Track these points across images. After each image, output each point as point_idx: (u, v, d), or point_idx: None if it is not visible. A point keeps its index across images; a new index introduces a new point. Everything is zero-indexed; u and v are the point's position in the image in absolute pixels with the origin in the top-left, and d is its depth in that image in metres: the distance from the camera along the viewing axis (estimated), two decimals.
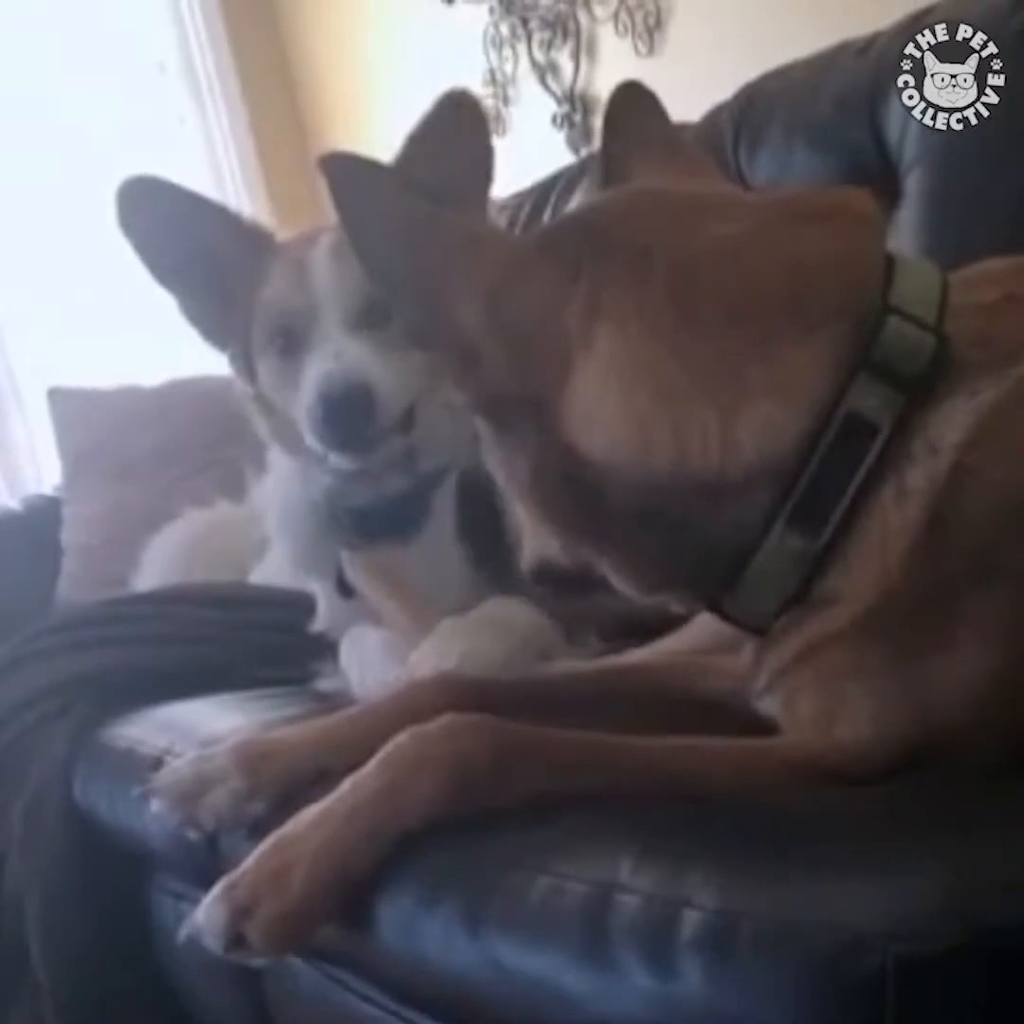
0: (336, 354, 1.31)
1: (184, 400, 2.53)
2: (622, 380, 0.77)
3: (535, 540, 0.91)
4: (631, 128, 0.95)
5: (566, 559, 0.88)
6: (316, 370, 1.30)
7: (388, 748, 0.81)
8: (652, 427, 0.76)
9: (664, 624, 1.05)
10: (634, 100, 0.97)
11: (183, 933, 0.83)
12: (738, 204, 0.86)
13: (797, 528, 0.76)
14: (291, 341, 1.35)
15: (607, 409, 0.78)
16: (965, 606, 0.73)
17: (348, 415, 1.28)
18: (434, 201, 0.87)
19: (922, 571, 0.73)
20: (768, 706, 0.83)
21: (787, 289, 0.77)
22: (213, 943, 0.80)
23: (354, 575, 1.41)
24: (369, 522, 1.40)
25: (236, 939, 0.79)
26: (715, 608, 0.85)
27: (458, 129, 1.32)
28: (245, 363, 1.42)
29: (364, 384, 1.29)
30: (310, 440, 1.33)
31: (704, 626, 1.00)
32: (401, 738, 0.81)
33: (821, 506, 0.75)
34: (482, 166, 1.35)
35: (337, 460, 1.33)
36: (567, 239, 0.83)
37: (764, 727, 0.83)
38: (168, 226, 1.35)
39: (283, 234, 1.43)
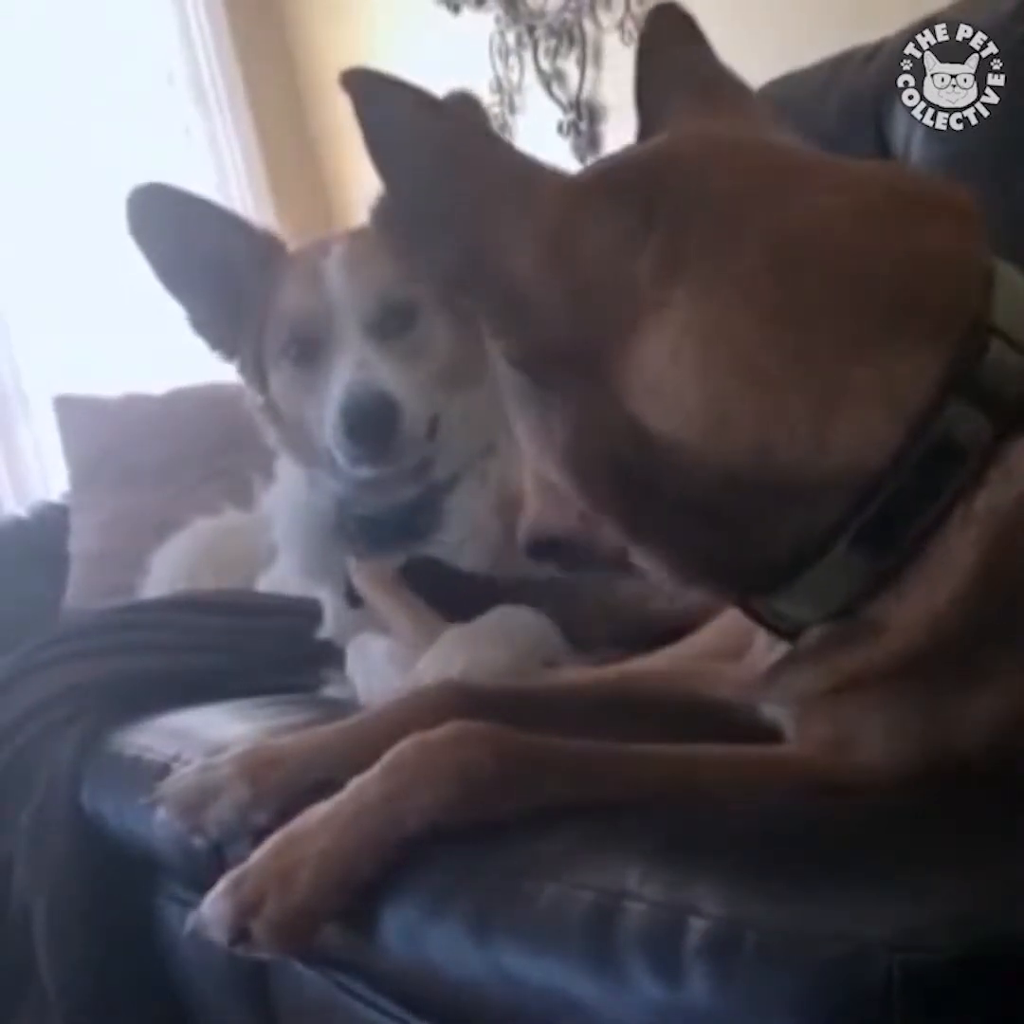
0: (358, 364, 1.30)
1: (191, 408, 2.54)
2: (703, 350, 0.70)
3: (538, 508, 0.85)
4: (667, 62, 0.86)
5: (570, 532, 0.82)
6: (339, 382, 1.30)
7: (391, 755, 0.81)
8: (734, 408, 0.69)
9: (673, 631, 1.05)
10: (672, 26, 0.88)
11: (189, 925, 0.83)
12: (830, 169, 0.78)
13: (864, 546, 0.70)
14: (307, 350, 1.35)
15: (681, 381, 0.70)
16: (1010, 649, 0.70)
17: (374, 428, 1.28)
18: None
19: (973, 608, 0.69)
20: (776, 712, 0.82)
21: (901, 286, 0.71)
22: (218, 936, 0.81)
23: (360, 583, 1.41)
24: (378, 530, 1.40)
25: (241, 934, 0.80)
26: (744, 605, 0.80)
27: None
28: (255, 372, 1.42)
29: (388, 396, 1.28)
30: (334, 451, 1.32)
31: (710, 633, 1.00)
32: (404, 745, 0.81)
33: (894, 527, 0.69)
34: None
35: (360, 471, 1.33)
36: (637, 180, 0.75)
37: (767, 734, 0.83)
38: (179, 232, 1.35)
39: (292, 245, 1.44)
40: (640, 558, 0.79)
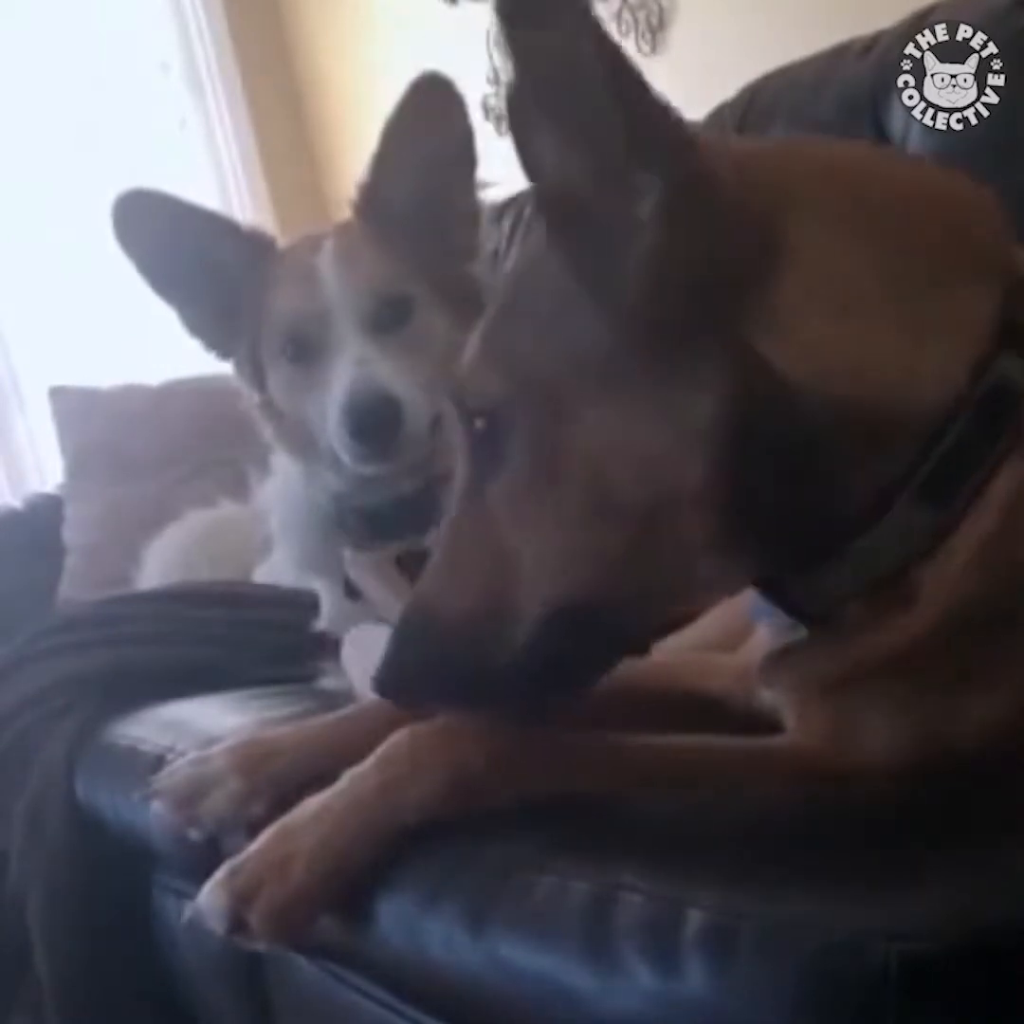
0: (357, 362, 1.29)
1: (186, 399, 2.53)
2: (827, 291, 0.69)
3: (567, 573, 0.74)
4: None
5: (601, 593, 0.74)
6: (340, 381, 1.29)
7: (385, 746, 0.82)
8: (845, 347, 0.69)
9: (669, 624, 1.05)
10: None
11: (186, 915, 0.84)
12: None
13: (929, 497, 0.69)
14: (304, 348, 1.34)
15: (808, 323, 0.69)
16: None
17: (377, 427, 1.27)
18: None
19: (995, 572, 0.69)
20: (777, 698, 0.82)
21: (959, 221, 0.73)
22: (215, 926, 0.81)
23: (357, 575, 1.41)
24: (376, 522, 1.40)
25: (238, 924, 0.80)
26: (774, 587, 0.77)
27: (434, 113, 1.32)
28: (252, 370, 1.41)
29: (391, 394, 1.28)
30: (337, 450, 1.32)
31: (706, 625, 1.00)
32: (397, 737, 0.82)
33: (954, 479, 0.69)
34: (464, 148, 1.34)
35: (364, 468, 1.33)
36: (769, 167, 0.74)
37: (762, 726, 0.83)
38: (166, 238, 1.34)
39: (284, 239, 1.43)
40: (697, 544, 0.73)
